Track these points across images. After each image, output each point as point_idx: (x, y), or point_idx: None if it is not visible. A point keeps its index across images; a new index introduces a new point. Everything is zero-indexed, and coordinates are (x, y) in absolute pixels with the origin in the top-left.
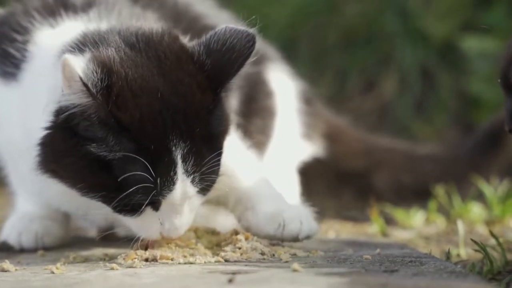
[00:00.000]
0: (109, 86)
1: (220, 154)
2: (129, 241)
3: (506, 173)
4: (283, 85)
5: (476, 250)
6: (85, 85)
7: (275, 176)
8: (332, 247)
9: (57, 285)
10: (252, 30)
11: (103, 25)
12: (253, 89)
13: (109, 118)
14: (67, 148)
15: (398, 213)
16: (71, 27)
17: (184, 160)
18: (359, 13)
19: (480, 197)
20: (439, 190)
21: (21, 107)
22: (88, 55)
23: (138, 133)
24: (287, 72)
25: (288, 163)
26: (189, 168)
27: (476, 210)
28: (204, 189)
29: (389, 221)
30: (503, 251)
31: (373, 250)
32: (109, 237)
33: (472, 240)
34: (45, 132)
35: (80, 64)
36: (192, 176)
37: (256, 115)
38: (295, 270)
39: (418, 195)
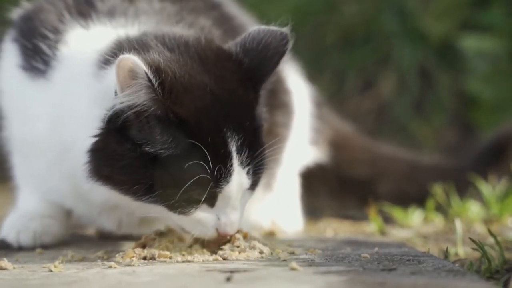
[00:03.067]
0: (161, 83)
1: (265, 149)
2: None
3: (504, 173)
4: (298, 86)
5: (474, 249)
6: (149, 80)
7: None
8: (330, 245)
9: (55, 284)
10: (285, 29)
11: (134, 30)
12: (274, 85)
13: (168, 113)
14: (122, 152)
15: (397, 212)
16: (103, 32)
17: (238, 152)
18: (357, 13)
19: (478, 196)
20: (437, 189)
21: (50, 105)
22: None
23: (195, 126)
24: (300, 74)
25: (292, 165)
26: (244, 160)
27: (474, 209)
28: (254, 183)
29: (388, 220)
30: (501, 250)
31: (371, 248)
32: (107, 236)
33: (470, 238)
34: (95, 139)
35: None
36: (247, 168)
37: (278, 108)
38: (293, 269)
39: (421, 205)
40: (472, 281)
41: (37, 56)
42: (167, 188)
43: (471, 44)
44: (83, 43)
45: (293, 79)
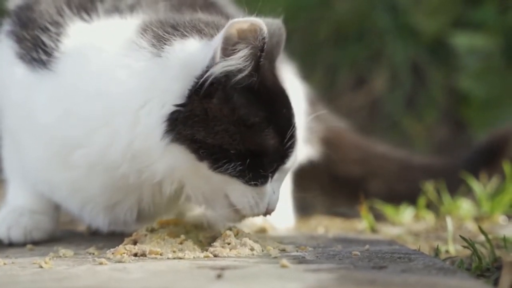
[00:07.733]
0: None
1: None
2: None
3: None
4: (293, 86)
5: (465, 247)
6: (264, 44)
7: None
8: (321, 243)
9: (45, 280)
10: (279, 20)
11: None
12: None
13: (261, 81)
14: (220, 116)
15: (388, 210)
16: (106, 24)
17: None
18: (350, 9)
19: (469, 194)
20: (429, 187)
21: (56, 95)
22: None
23: (277, 95)
24: (295, 73)
25: None
26: (298, 133)
27: (465, 206)
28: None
29: (379, 217)
30: (492, 248)
31: (362, 246)
32: (98, 232)
33: (461, 236)
34: (180, 108)
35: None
36: (298, 145)
37: None
38: (283, 266)
39: (412, 204)
40: (462, 279)
41: (38, 48)
42: (250, 156)
43: (463, 41)
44: (96, 33)
45: (289, 79)
